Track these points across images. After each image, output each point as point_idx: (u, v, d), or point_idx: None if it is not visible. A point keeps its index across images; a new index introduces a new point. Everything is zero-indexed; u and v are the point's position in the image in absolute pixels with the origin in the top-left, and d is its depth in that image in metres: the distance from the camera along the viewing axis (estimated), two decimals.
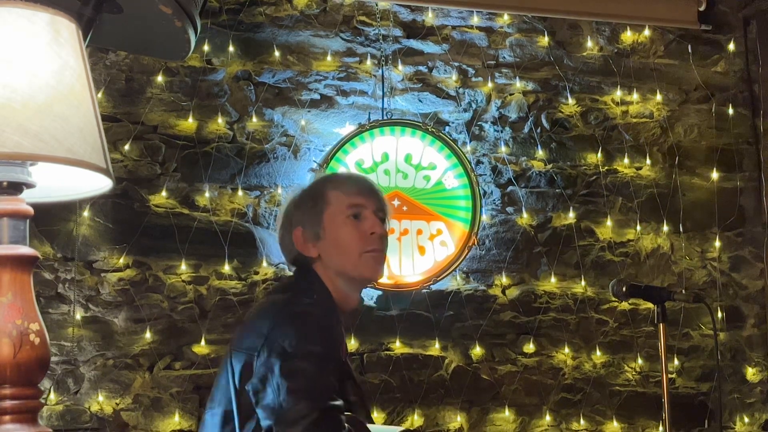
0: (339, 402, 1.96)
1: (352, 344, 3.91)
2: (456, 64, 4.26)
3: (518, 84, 4.32)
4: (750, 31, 4.67)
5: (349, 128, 4.02)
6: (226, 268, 3.82)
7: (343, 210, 2.22)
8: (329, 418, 1.93)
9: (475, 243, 4.04)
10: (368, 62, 4.14)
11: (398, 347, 3.98)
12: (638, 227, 4.37)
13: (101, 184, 1.74)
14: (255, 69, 4.01)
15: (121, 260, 3.72)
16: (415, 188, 4.04)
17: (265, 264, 3.87)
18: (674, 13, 4.51)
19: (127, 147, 3.79)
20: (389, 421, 3.92)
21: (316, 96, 4.07)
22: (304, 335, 2.00)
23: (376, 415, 3.88)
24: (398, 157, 4.04)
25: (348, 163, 3.95)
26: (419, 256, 3.99)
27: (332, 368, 2.01)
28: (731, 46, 4.62)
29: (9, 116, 1.52)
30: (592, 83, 4.44)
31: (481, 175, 4.17)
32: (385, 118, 4.05)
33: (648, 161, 4.43)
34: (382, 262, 2.25)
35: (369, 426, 2.15)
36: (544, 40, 4.39)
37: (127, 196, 3.77)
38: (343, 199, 2.24)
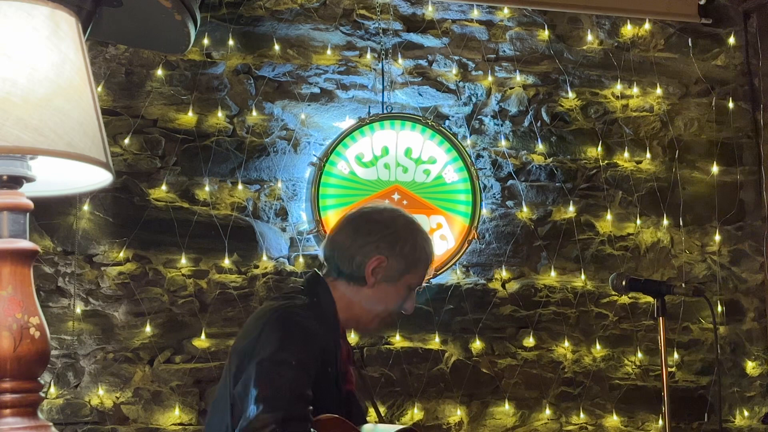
0: (305, 412, 2.01)
1: (352, 338, 3.91)
2: (456, 57, 4.25)
3: (518, 78, 4.32)
4: (750, 24, 4.67)
5: (349, 122, 4.02)
6: (226, 262, 3.82)
7: (414, 283, 2.37)
8: (290, 429, 1.97)
9: (475, 237, 4.04)
10: (368, 56, 4.14)
11: (398, 341, 3.99)
12: (638, 221, 4.37)
13: (101, 177, 1.74)
14: (255, 62, 4.01)
15: (121, 254, 3.72)
16: (415, 182, 4.04)
17: (265, 258, 3.87)
18: (674, 7, 4.51)
19: (126, 141, 3.79)
20: (389, 415, 3.92)
21: (316, 90, 4.07)
22: (284, 343, 2.08)
23: None
24: (398, 150, 4.04)
25: (348, 157, 3.95)
26: None
27: (308, 378, 2.06)
28: (731, 40, 4.62)
29: (9, 110, 1.52)
30: (593, 77, 4.44)
31: (481, 168, 4.17)
32: (385, 111, 4.05)
33: (648, 155, 4.43)
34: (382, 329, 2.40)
35: (376, 426, 2.19)
36: (545, 34, 4.39)
37: (127, 190, 3.77)
38: (423, 274, 2.38)
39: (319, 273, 2.37)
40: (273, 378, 2.02)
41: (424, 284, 2.41)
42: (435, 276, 3.99)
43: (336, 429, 2.15)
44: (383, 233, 2.33)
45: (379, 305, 2.34)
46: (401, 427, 2.51)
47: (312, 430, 2.02)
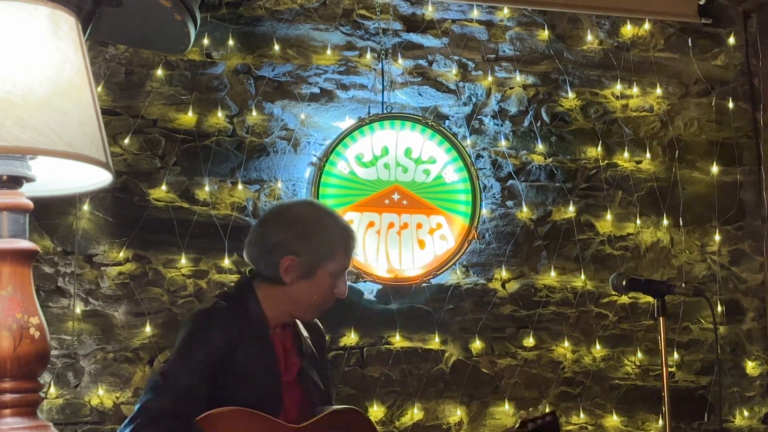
0: (185, 408, 2.21)
1: (353, 338, 3.91)
2: (456, 57, 4.25)
3: (518, 78, 4.32)
4: (750, 24, 4.67)
5: (348, 122, 4.02)
6: (226, 262, 3.82)
7: (336, 270, 2.44)
8: (152, 423, 2.19)
9: (475, 237, 4.04)
10: (368, 56, 4.14)
11: (398, 341, 3.99)
12: (638, 221, 4.37)
13: (101, 177, 1.74)
14: (255, 62, 4.01)
15: (121, 254, 3.72)
16: (414, 182, 4.04)
17: None
18: (674, 7, 4.51)
19: (126, 141, 3.79)
20: (389, 415, 3.92)
21: (316, 90, 4.07)
22: (183, 340, 2.35)
23: (376, 408, 3.89)
24: (398, 150, 4.04)
25: (348, 157, 3.95)
26: (419, 250, 3.99)
27: (198, 373, 2.27)
28: (731, 40, 4.61)
29: (9, 110, 1.52)
30: (592, 77, 4.44)
31: (481, 168, 4.17)
32: (384, 111, 4.05)
33: (648, 155, 4.43)
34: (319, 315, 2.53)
35: None
36: (544, 34, 4.39)
37: (126, 190, 3.77)
38: (343, 261, 2.45)
39: (247, 275, 2.52)
40: (162, 372, 2.29)
41: (351, 267, 2.49)
42: (435, 276, 3.99)
43: (239, 420, 2.27)
44: (290, 232, 2.42)
45: (307, 298, 2.43)
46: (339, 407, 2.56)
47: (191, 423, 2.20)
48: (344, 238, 2.47)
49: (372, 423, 2.59)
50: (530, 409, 2.74)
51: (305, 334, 2.59)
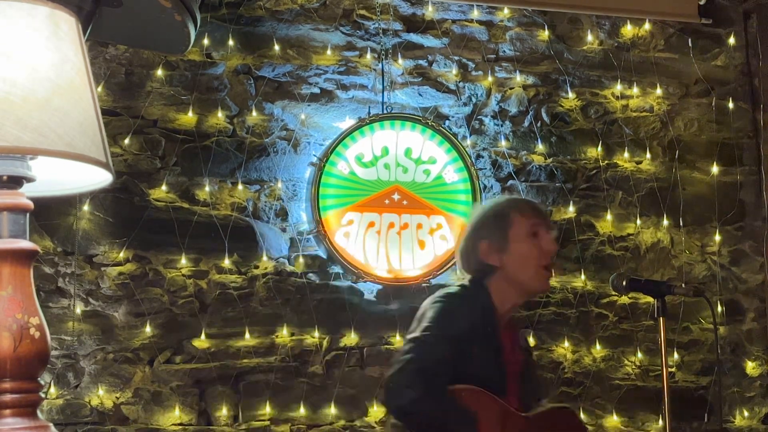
0: (440, 372, 2.40)
1: (353, 338, 3.91)
2: (456, 57, 4.25)
3: (518, 78, 4.32)
4: (750, 24, 4.67)
5: (349, 122, 4.02)
6: (226, 262, 3.82)
7: (526, 229, 2.64)
8: (422, 372, 2.37)
9: None
10: (368, 56, 4.14)
11: (398, 341, 3.98)
12: (638, 221, 4.37)
13: (101, 178, 1.74)
14: (255, 63, 4.01)
15: (121, 254, 3.72)
16: (415, 182, 4.04)
17: (265, 258, 3.87)
18: (674, 7, 4.51)
19: (126, 141, 3.79)
20: (389, 415, 3.92)
21: (316, 90, 4.07)
22: (435, 316, 2.49)
23: (376, 409, 3.89)
24: (398, 151, 4.04)
25: (348, 157, 3.95)
26: (419, 250, 3.99)
27: (449, 348, 2.44)
28: (731, 40, 4.61)
29: (9, 110, 1.52)
30: (593, 77, 4.44)
31: (481, 169, 4.17)
32: (385, 112, 4.05)
33: (648, 155, 4.43)
34: (551, 277, 2.70)
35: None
36: (545, 34, 4.39)
37: (127, 190, 3.77)
38: (525, 221, 2.65)
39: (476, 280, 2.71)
40: (417, 347, 2.43)
41: (539, 221, 2.67)
42: (435, 276, 3.99)
43: (480, 400, 2.43)
44: (475, 225, 2.70)
45: (520, 271, 2.62)
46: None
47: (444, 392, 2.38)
48: (510, 203, 2.75)
49: (585, 427, 2.82)
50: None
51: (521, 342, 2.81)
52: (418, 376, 2.36)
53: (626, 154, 4.40)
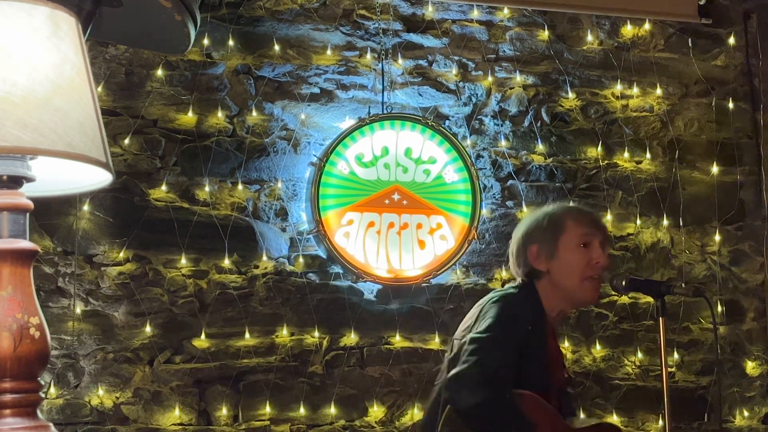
0: (507, 376, 2.43)
1: (353, 338, 3.91)
2: (456, 57, 4.25)
3: (518, 78, 4.32)
4: (750, 25, 4.67)
5: (349, 122, 4.02)
6: (226, 262, 3.82)
7: (577, 238, 2.68)
8: (493, 378, 2.39)
9: (475, 237, 4.04)
10: (368, 56, 4.14)
11: (398, 341, 3.99)
12: (638, 221, 4.37)
13: (101, 178, 1.74)
14: (255, 63, 4.01)
15: (121, 254, 3.72)
16: (415, 182, 4.04)
17: (265, 258, 3.87)
18: (674, 7, 4.51)
19: (126, 141, 3.79)
20: (389, 415, 3.92)
21: (316, 90, 4.07)
22: (496, 318, 2.52)
23: (376, 409, 3.89)
24: (398, 151, 4.04)
25: (348, 157, 3.95)
26: (419, 250, 3.99)
27: (512, 350, 2.48)
28: (731, 40, 4.61)
29: (9, 110, 1.52)
30: (593, 77, 4.44)
31: (481, 169, 4.17)
32: (385, 112, 4.05)
33: (648, 155, 4.43)
34: (599, 288, 2.73)
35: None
36: (545, 34, 4.39)
37: (127, 190, 3.77)
38: (578, 230, 2.69)
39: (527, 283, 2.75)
40: (484, 346, 2.44)
41: (593, 231, 2.70)
42: (435, 276, 3.99)
43: (533, 405, 2.47)
44: (527, 227, 2.75)
45: (568, 277, 2.66)
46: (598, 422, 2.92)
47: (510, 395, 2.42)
48: (565, 210, 2.77)
49: None
50: None
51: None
52: (488, 377, 2.39)
53: (626, 154, 4.41)
